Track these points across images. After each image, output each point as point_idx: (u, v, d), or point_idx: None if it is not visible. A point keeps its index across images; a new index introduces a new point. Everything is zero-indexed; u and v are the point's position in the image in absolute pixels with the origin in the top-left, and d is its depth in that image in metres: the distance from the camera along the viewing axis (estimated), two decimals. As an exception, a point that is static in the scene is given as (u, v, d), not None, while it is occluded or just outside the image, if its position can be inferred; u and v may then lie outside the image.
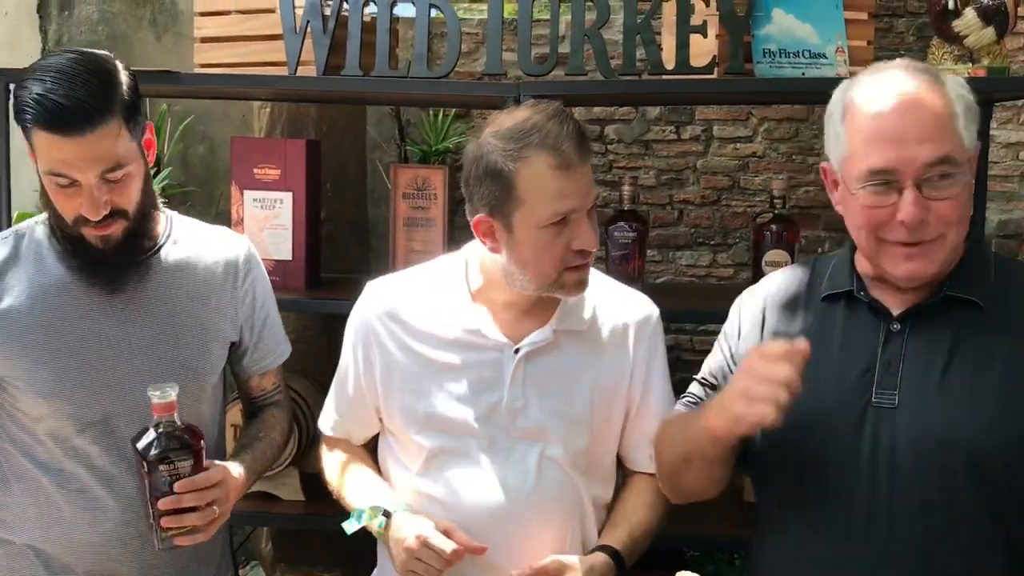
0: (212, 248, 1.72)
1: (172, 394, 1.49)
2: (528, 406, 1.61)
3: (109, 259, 1.56)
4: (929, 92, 1.36)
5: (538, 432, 1.61)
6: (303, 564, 2.90)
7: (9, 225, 2.21)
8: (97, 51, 1.53)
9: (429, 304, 1.67)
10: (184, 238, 1.70)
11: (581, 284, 1.60)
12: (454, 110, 2.99)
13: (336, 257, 2.78)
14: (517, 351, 1.61)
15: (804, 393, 1.44)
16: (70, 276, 1.59)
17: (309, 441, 2.42)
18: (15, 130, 2.18)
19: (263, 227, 2.33)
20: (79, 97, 1.44)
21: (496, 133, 1.55)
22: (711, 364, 1.65)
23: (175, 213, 1.75)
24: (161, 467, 1.47)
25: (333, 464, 1.78)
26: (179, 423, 1.51)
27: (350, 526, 1.62)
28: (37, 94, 1.43)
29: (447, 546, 1.50)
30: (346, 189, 3.02)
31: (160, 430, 1.49)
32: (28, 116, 1.44)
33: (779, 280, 1.62)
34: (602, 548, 1.61)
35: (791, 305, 1.55)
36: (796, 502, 1.47)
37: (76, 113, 1.43)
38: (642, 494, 1.71)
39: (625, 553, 1.61)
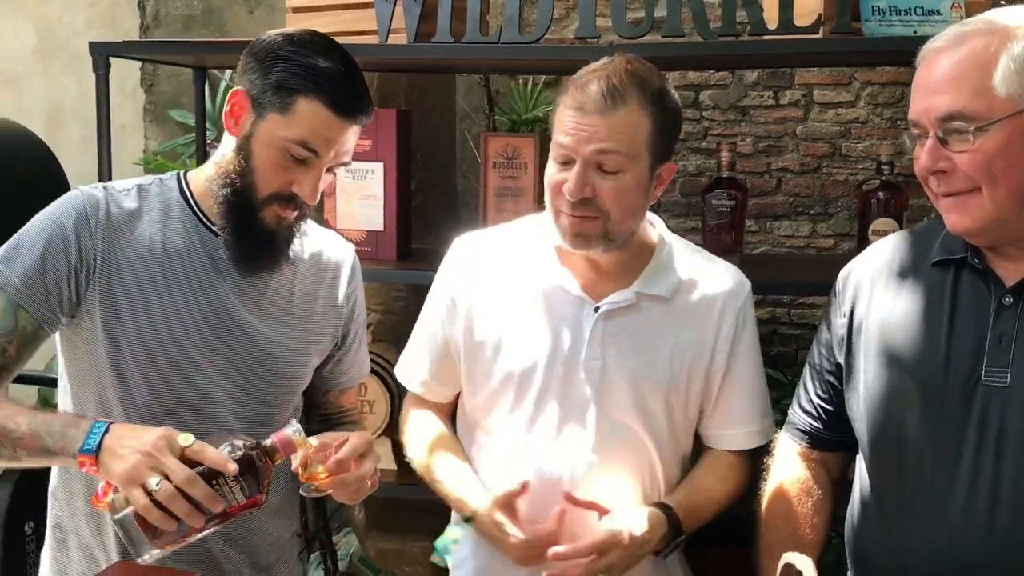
0: (326, 251, 1.68)
1: (301, 450, 1.38)
2: (606, 365, 1.59)
3: (268, 240, 1.52)
4: (963, 43, 1.30)
5: (614, 392, 1.60)
6: (395, 532, 2.94)
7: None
8: None
9: (515, 260, 1.67)
10: (310, 235, 1.66)
11: (573, 237, 1.56)
12: (544, 78, 2.96)
13: (425, 229, 2.78)
14: (597, 309, 1.59)
15: (910, 366, 1.40)
16: (201, 244, 1.53)
17: (400, 411, 2.44)
18: (115, 106, 2.24)
19: (355, 198, 2.34)
20: (363, 87, 1.50)
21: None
22: (814, 354, 1.60)
23: None
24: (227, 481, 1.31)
25: (419, 437, 1.76)
26: (273, 468, 1.37)
27: (442, 554, 1.61)
28: (333, 69, 1.45)
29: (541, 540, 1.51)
30: (435, 160, 3.02)
31: (264, 448, 1.35)
32: (314, 86, 1.43)
33: (887, 247, 1.55)
34: (659, 505, 1.59)
35: (900, 273, 1.49)
36: (897, 479, 1.42)
37: (362, 100, 1.48)
38: (715, 466, 1.69)
39: (681, 513, 1.59)
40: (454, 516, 1.73)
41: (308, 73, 1.43)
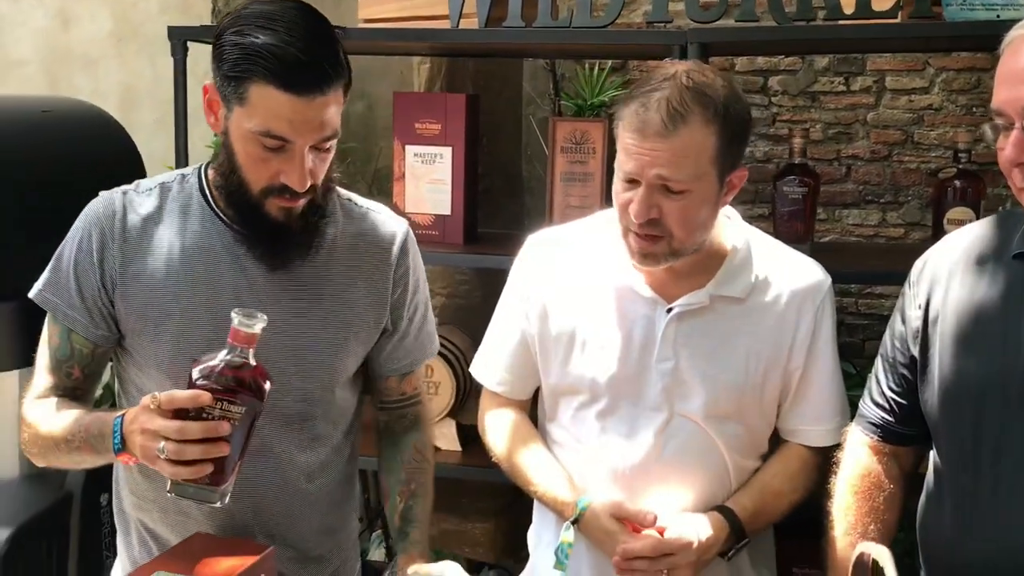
0: (372, 228, 1.57)
1: (258, 327, 1.30)
2: (678, 367, 1.58)
3: (282, 233, 1.43)
4: None
5: (686, 394, 1.58)
6: (457, 513, 2.96)
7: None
8: (307, 3, 1.38)
9: (587, 259, 1.65)
10: (348, 216, 1.56)
11: (642, 257, 1.54)
12: (610, 63, 2.93)
13: (491, 214, 2.79)
14: (670, 311, 1.58)
15: (988, 358, 1.37)
16: (220, 242, 1.46)
17: (467, 394, 2.46)
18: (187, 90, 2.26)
19: (423, 182, 2.36)
20: (318, 55, 1.32)
21: None
22: (887, 346, 1.57)
23: (338, 187, 1.59)
24: (215, 406, 1.28)
25: (501, 430, 1.75)
26: (252, 362, 1.31)
27: (563, 565, 1.58)
28: (272, 45, 1.30)
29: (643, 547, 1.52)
30: (501, 145, 3.02)
31: (228, 358, 1.29)
32: (256, 68, 1.30)
33: (964, 237, 1.52)
34: (720, 509, 1.59)
35: (979, 264, 1.45)
36: (973, 474, 1.39)
37: (315, 72, 1.31)
38: (787, 463, 1.67)
39: (745, 517, 1.58)
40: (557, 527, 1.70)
41: (250, 56, 1.31)
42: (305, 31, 1.32)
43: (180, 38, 2.23)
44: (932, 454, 1.51)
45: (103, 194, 1.50)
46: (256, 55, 1.30)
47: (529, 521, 1.83)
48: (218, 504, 1.33)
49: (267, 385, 1.32)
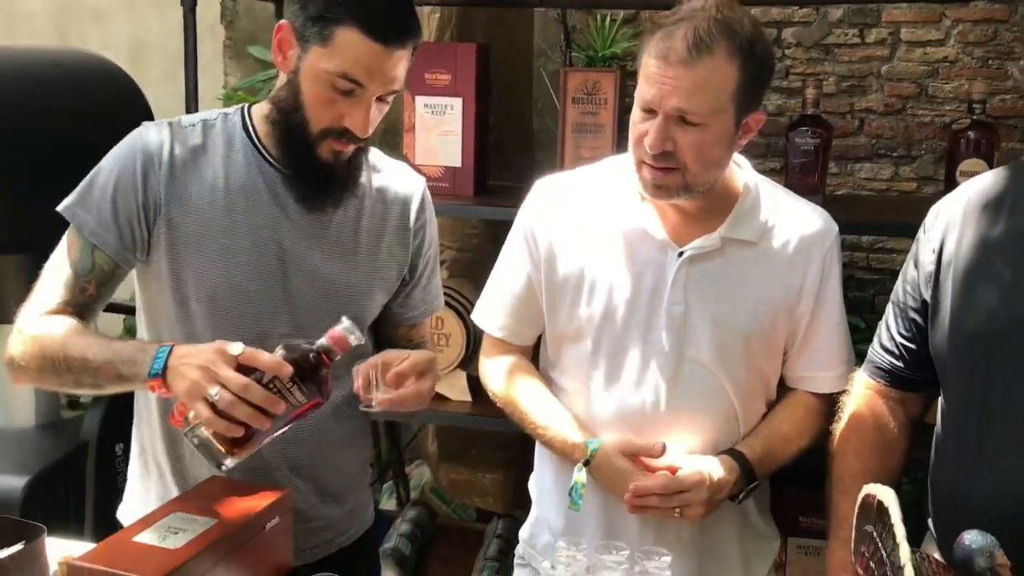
0: (395, 183, 1.64)
1: (354, 341, 1.37)
2: (688, 311, 1.59)
3: (328, 176, 1.50)
4: None
5: (695, 337, 1.59)
6: (467, 464, 3.01)
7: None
8: None
9: (597, 201, 1.66)
10: (375, 169, 1.63)
11: (655, 188, 1.55)
12: (622, 14, 2.90)
13: (502, 167, 2.79)
14: (681, 254, 1.58)
15: (1000, 303, 1.38)
16: (263, 180, 1.52)
17: (477, 345, 2.47)
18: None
19: (433, 133, 2.35)
20: (404, 8, 1.44)
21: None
22: (898, 292, 1.57)
23: None
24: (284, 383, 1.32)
25: (501, 373, 1.77)
26: (331, 365, 1.37)
27: (577, 504, 1.61)
28: None
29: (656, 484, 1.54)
30: (512, 97, 3.01)
31: (318, 349, 1.35)
32: (347, 11, 1.38)
33: (980, 184, 1.52)
34: (730, 452, 1.61)
35: (994, 210, 1.46)
36: (982, 418, 1.41)
37: (401, 24, 1.42)
38: (794, 409, 1.69)
39: (754, 460, 1.60)
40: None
41: (344, 1, 1.39)
42: None
43: (189, -10, 2.22)
44: (940, 401, 1.52)
45: (148, 124, 1.55)
46: (350, 1, 1.38)
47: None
48: (221, 470, 1.35)
49: (329, 395, 1.36)
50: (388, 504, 3.18)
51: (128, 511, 1.67)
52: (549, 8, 3.06)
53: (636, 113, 1.53)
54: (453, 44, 2.50)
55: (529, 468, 1.85)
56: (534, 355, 1.83)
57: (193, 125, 1.54)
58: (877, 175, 3.19)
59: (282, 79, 1.49)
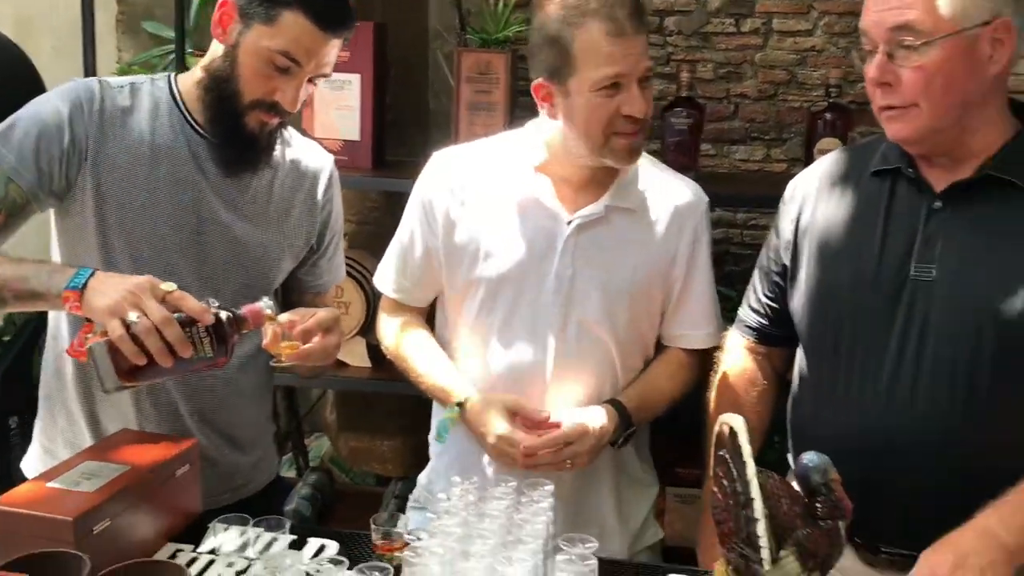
0: (306, 158, 1.76)
1: (268, 323, 1.48)
2: (576, 275, 1.72)
3: (250, 144, 1.62)
4: None
5: (582, 299, 1.73)
6: (366, 431, 3.08)
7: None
8: None
9: (492, 173, 1.78)
10: (288, 144, 1.74)
11: (632, 152, 1.69)
12: (514, -1, 3.02)
13: (398, 143, 2.87)
14: (570, 223, 1.71)
15: (847, 263, 1.54)
16: (187, 143, 1.62)
17: (376, 313, 2.57)
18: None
19: (332, 108, 2.43)
20: (347, 3, 1.58)
21: (556, 1, 1.63)
22: (763, 258, 1.75)
23: None
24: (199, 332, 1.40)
25: (393, 328, 1.90)
26: (238, 336, 1.46)
27: (442, 437, 1.75)
28: None
29: (521, 440, 1.65)
30: (409, 77, 3.09)
31: (236, 315, 1.45)
32: (297, 1, 1.50)
33: (831, 159, 1.70)
34: (610, 401, 1.75)
35: (843, 181, 1.63)
36: (833, 364, 1.58)
37: (343, 13, 1.57)
38: (667, 364, 1.84)
39: (631, 407, 1.75)
40: (435, 408, 1.86)
41: None
42: None
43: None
44: (799, 353, 1.70)
45: (77, 79, 1.62)
46: None
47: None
48: (103, 391, 1.40)
49: (230, 359, 1.45)
50: (288, 474, 3.23)
51: (33, 463, 1.72)
52: (444, -9, 3.15)
53: (596, 96, 1.62)
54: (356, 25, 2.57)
55: (426, 432, 1.97)
56: (430, 317, 1.95)
57: (122, 87, 1.63)
58: (751, 156, 3.38)
59: (215, 50, 1.59)
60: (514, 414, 1.69)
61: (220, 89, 1.58)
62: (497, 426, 1.66)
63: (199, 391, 1.65)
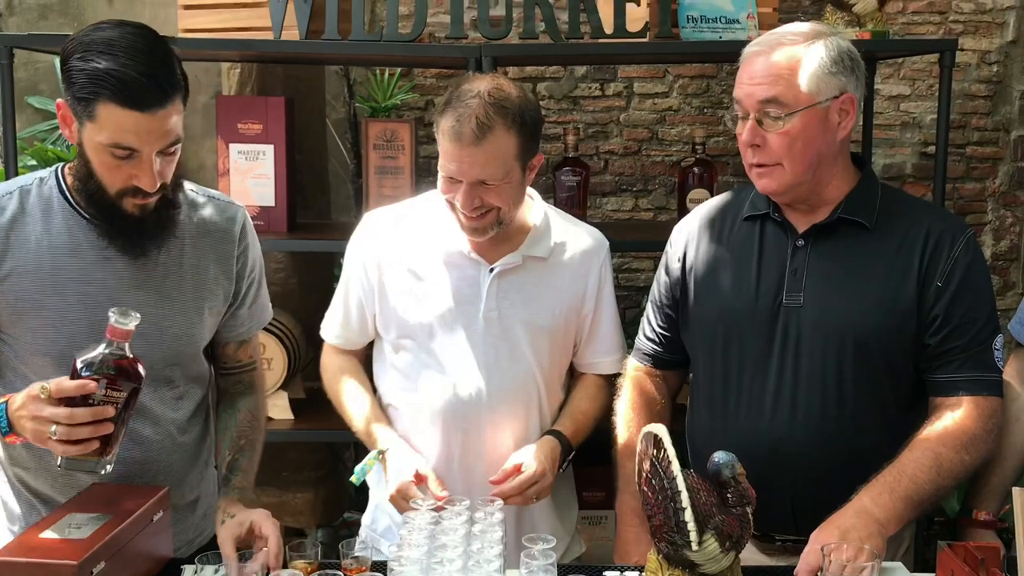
0: (214, 215, 1.76)
1: (132, 324, 1.49)
2: (501, 316, 1.93)
3: (140, 227, 1.60)
4: (778, 48, 1.67)
5: (509, 338, 1.94)
6: (277, 486, 3.16)
7: (16, 173, 2.39)
8: (143, 24, 1.56)
9: (420, 229, 1.97)
10: (194, 205, 1.74)
11: (472, 232, 1.87)
12: (399, 69, 3.24)
13: (303, 206, 3.02)
14: (492, 270, 1.93)
15: (730, 295, 1.81)
16: (85, 237, 1.61)
17: (297, 368, 2.70)
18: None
19: (247, 176, 2.58)
20: (156, 74, 1.48)
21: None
22: (655, 294, 1.99)
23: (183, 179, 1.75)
24: (101, 391, 1.46)
25: (334, 372, 2.06)
26: (128, 353, 1.49)
27: (358, 478, 1.89)
28: (113, 69, 1.46)
29: (418, 498, 1.80)
30: (309, 144, 3.26)
31: (107, 351, 1.47)
32: (100, 91, 1.46)
33: (709, 206, 1.97)
34: (551, 432, 1.96)
35: (720, 225, 1.90)
36: (723, 383, 1.82)
37: (154, 90, 1.48)
38: (586, 389, 2.07)
39: (569, 434, 1.97)
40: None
41: (95, 80, 1.46)
42: (143, 53, 1.49)
43: (7, 44, 2.33)
44: (691, 375, 1.95)
45: None
46: (100, 79, 1.46)
47: (345, 491, 2.10)
48: (103, 472, 1.52)
49: (142, 369, 1.51)
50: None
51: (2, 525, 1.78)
52: (352, 65, 3.35)
53: (443, 182, 1.84)
54: (264, 98, 2.71)
55: (339, 484, 2.09)
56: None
57: (9, 194, 1.63)
58: (621, 207, 3.68)
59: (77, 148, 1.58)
60: (421, 477, 1.86)
61: (87, 187, 1.58)
62: (401, 478, 1.84)
63: (150, 457, 1.72)
